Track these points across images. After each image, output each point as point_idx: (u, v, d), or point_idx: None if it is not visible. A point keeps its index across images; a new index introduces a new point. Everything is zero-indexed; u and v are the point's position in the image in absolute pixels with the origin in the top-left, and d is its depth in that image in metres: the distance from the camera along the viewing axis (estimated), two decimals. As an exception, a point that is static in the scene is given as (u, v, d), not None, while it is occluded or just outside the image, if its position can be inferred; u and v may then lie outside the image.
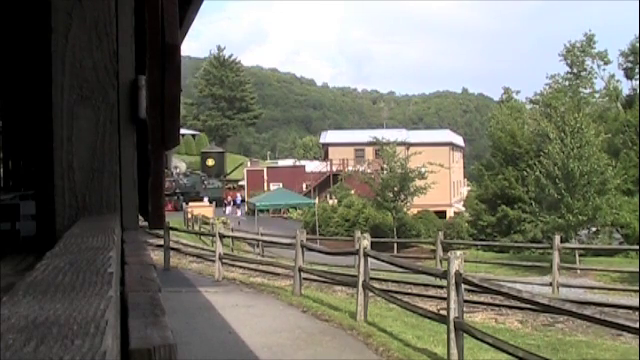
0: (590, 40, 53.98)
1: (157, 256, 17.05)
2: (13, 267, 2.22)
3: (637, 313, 10.87)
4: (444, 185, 50.20)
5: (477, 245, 32.61)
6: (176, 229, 21.64)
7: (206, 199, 52.93)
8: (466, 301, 8.84)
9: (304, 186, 59.32)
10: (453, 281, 7.12)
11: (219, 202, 55.12)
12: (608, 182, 29.58)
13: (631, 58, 51.48)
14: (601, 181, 29.11)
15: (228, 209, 53.99)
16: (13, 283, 1.60)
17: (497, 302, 12.67)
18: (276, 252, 25.97)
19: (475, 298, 12.91)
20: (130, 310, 1.19)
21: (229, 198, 58.31)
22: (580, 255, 25.59)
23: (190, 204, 44.02)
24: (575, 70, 54.01)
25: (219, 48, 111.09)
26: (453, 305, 7.12)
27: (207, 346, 7.97)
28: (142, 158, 2.22)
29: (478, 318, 11.97)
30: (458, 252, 7.46)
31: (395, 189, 39.38)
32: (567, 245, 20.94)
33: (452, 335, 7.07)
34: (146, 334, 1.04)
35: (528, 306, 9.79)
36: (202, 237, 27.35)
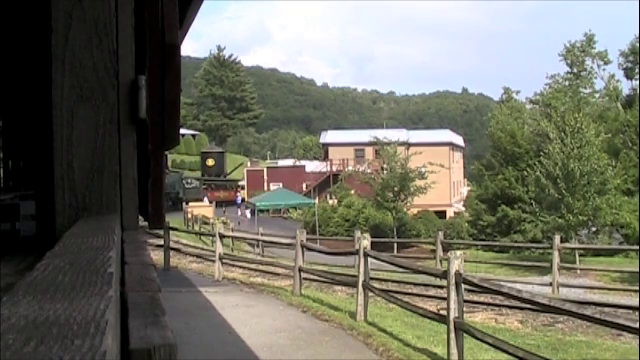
0: (590, 40, 53.86)
1: (157, 256, 17.03)
2: (13, 267, 2.22)
3: (637, 313, 10.87)
4: (444, 185, 50.21)
5: (477, 245, 32.62)
6: (176, 229, 21.63)
7: (206, 199, 52.83)
8: (466, 301, 8.84)
9: (304, 186, 59.32)
10: (453, 281, 7.13)
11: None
12: (608, 182, 29.59)
13: (631, 58, 51.41)
14: (601, 181, 29.11)
15: (248, 212, 51.32)
16: (13, 283, 1.60)
17: (497, 302, 12.67)
18: (276, 252, 25.98)
19: (475, 298, 12.91)
20: (130, 310, 1.19)
21: (240, 198, 57.72)
22: (580, 255, 25.61)
23: (190, 204, 43.96)
24: (575, 70, 53.88)
25: (219, 48, 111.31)
26: (453, 305, 7.13)
27: (207, 346, 7.97)
28: (142, 158, 2.22)
29: (478, 318, 11.97)
30: (458, 252, 7.46)
31: (395, 189, 39.39)
32: (567, 245, 20.92)
33: (452, 335, 7.07)
34: (146, 334, 1.04)
35: (528, 306, 9.79)
36: (202, 237, 27.36)
